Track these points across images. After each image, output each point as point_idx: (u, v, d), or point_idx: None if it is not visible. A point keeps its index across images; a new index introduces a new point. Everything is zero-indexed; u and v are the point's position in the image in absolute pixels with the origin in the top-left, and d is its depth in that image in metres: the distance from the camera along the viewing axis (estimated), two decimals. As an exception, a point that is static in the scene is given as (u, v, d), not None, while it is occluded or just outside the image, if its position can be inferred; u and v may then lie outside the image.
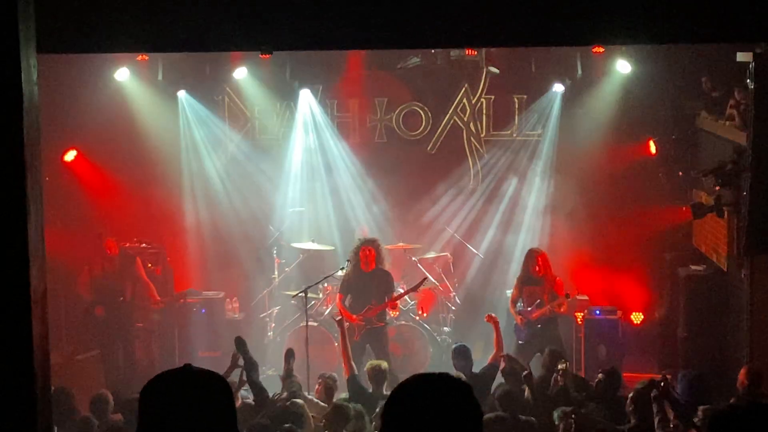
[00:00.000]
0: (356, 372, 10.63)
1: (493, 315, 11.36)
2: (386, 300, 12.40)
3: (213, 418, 3.04)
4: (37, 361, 3.68)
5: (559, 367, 9.89)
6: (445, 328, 13.80)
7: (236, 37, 6.62)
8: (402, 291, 12.92)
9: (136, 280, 13.06)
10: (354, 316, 12.24)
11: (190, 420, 3.00)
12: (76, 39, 5.85)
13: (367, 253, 12.33)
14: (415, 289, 12.65)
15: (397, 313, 13.34)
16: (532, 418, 9.15)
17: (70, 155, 14.19)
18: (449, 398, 2.92)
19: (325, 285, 13.44)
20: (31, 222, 3.60)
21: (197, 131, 14.70)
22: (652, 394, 8.36)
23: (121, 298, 12.95)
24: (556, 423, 8.61)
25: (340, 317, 11.49)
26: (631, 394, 8.87)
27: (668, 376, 8.81)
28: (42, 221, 3.71)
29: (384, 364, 10.52)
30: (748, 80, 10.58)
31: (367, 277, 12.39)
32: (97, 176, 14.36)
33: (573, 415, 8.38)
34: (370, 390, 10.17)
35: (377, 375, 10.25)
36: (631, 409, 8.71)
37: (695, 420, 8.25)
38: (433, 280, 13.77)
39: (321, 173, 14.87)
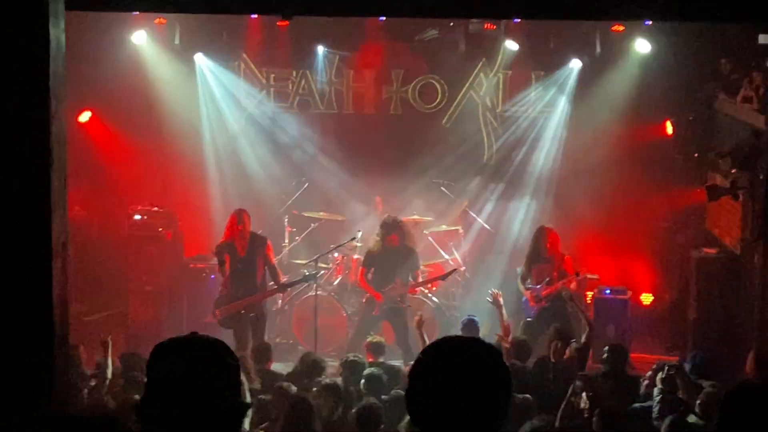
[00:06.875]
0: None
1: (496, 293, 11.08)
2: (411, 276, 12.24)
3: (217, 386, 3.04)
4: (57, 311, 3.66)
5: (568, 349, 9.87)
6: (454, 302, 13.76)
7: (257, 0, 6.56)
8: (427, 275, 12.87)
9: (267, 263, 11.79)
10: (378, 293, 12.14)
11: (194, 387, 3.01)
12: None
13: (394, 235, 12.10)
14: (444, 277, 12.56)
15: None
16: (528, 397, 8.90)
17: (84, 116, 14.18)
18: (480, 362, 2.86)
19: (336, 255, 13.42)
20: (55, 170, 3.57)
21: (216, 95, 14.67)
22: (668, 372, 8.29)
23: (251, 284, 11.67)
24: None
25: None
26: (649, 373, 8.80)
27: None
28: (65, 170, 3.67)
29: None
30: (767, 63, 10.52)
31: (393, 254, 12.19)
32: (111, 138, 14.34)
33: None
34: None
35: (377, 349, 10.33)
36: (650, 388, 8.62)
37: (698, 399, 8.19)
38: (444, 256, 13.72)
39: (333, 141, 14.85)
